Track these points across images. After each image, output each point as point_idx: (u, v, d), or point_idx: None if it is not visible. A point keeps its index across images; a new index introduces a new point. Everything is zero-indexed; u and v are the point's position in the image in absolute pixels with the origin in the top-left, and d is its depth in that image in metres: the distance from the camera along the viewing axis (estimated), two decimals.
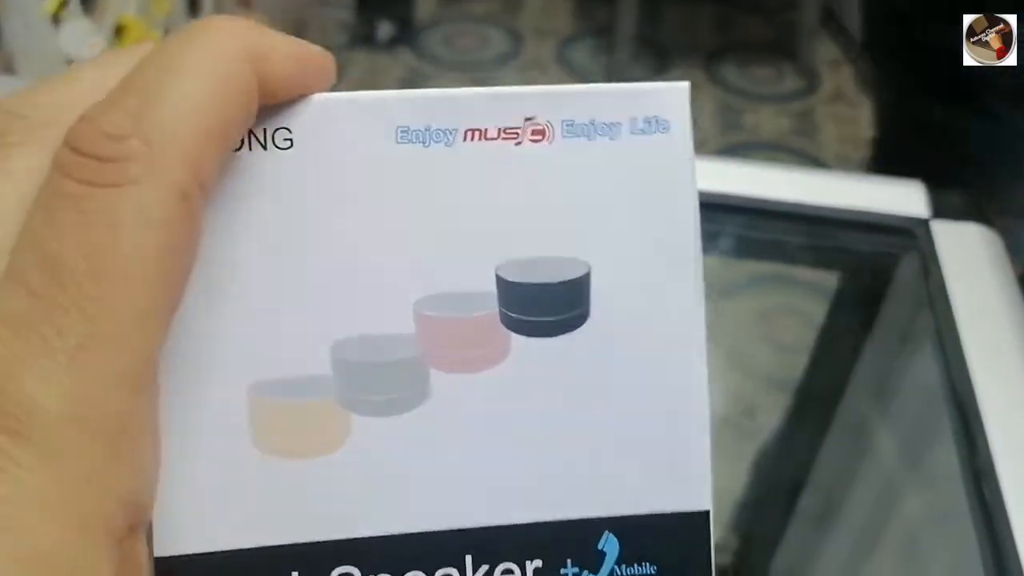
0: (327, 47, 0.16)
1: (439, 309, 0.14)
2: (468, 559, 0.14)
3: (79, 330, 0.12)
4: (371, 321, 0.14)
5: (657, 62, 1.79)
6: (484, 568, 0.14)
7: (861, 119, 1.67)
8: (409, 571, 0.14)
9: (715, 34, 1.86)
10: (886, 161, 0.87)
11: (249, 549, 0.14)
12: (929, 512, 0.39)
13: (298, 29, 1.68)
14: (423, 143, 0.14)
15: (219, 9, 1.39)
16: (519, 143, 0.14)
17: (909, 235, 0.41)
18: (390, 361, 0.14)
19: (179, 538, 0.13)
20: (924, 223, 0.41)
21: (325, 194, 0.14)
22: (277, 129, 0.14)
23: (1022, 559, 0.29)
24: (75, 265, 0.12)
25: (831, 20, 1.84)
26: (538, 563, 0.14)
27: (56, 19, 0.95)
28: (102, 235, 0.12)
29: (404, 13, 1.80)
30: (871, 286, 0.45)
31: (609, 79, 1.74)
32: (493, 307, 0.14)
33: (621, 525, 0.14)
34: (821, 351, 0.47)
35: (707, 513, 0.14)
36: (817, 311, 0.46)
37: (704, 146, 1.55)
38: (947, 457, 0.34)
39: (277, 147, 0.14)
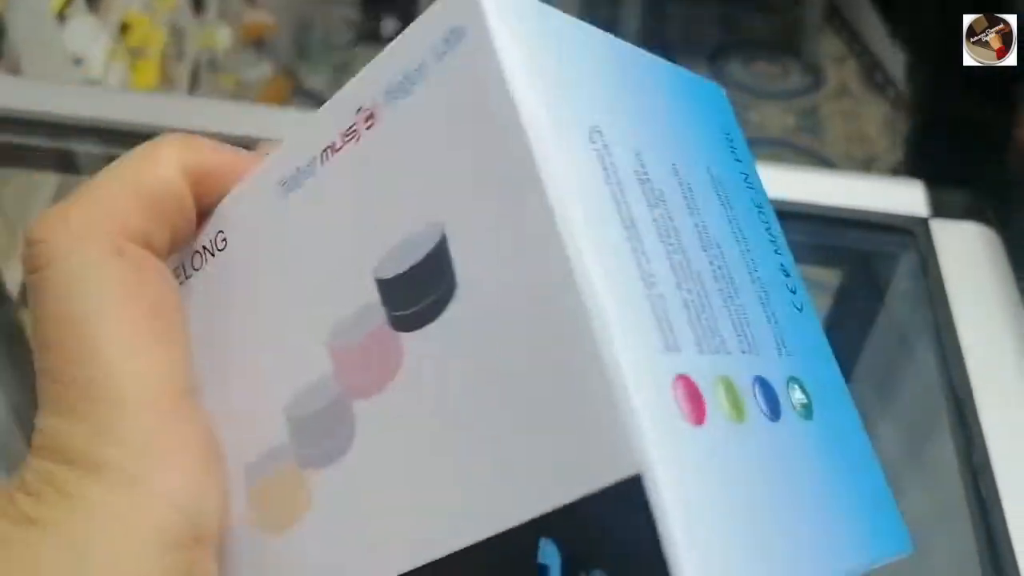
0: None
1: (346, 336, 0.13)
2: None
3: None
4: (300, 373, 0.14)
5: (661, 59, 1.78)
6: None
7: (867, 115, 1.67)
8: None
9: (719, 31, 1.86)
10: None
11: None
12: (927, 508, 0.39)
13: (303, 27, 1.69)
14: (298, 186, 0.14)
15: (224, 6, 1.40)
16: (358, 139, 0.13)
17: (908, 234, 0.41)
18: (318, 409, 0.13)
19: None
20: (923, 222, 0.41)
21: (249, 274, 0.15)
22: (217, 233, 0.16)
23: (1017, 554, 0.29)
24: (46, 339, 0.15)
25: (835, 16, 1.84)
26: None
27: (61, 16, 0.95)
28: (56, 307, 0.14)
29: (408, 9, 1.80)
30: (870, 285, 0.45)
31: None
32: (380, 319, 0.13)
33: (554, 525, 0.11)
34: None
35: (637, 478, 0.10)
36: (817, 308, 0.47)
37: None
38: (945, 454, 0.34)
39: (219, 250, 0.16)
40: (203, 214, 0.17)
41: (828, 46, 1.81)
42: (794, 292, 0.16)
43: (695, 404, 0.11)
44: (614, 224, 0.12)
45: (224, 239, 0.16)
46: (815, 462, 0.13)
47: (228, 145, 0.17)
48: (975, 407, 0.33)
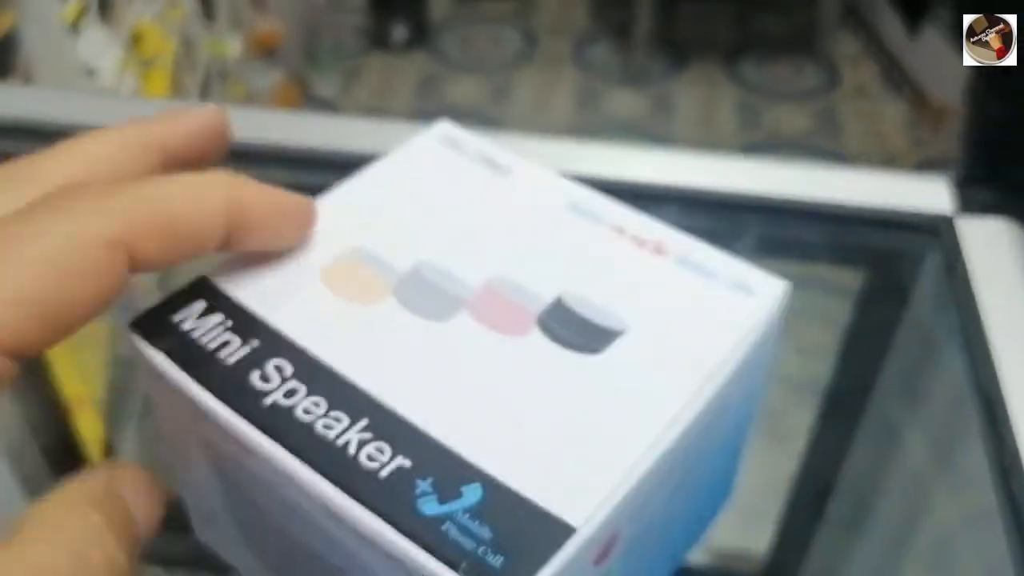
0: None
1: (502, 288, 0.18)
2: (363, 421, 0.15)
3: None
4: (457, 267, 0.18)
5: (675, 61, 1.78)
6: (366, 435, 0.15)
7: (884, 115, 1.65)
8: (316, 395, 0.16)
9: (733, 31, 1.85)
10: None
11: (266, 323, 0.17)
12: (959, 512, 0.38)
13: (312, 35, 1.69)
14: (588, 221, 0.20)
15: (234, 15, 1.40)
16: (641, 248, 0.19)
17: (933, 232, 0.40)
18: (441, 286, 0.18)
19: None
20: (948, 220, 0.40)
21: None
22: None
23: None
24: None
25: (851, 15, 1.82)
26: (406, 463, 0.15)
27: (74, 28, 0.95)
28: None
29: (418, 16, 1.80)
30: (894, 285, 0.44)
31: (626, 78, 1.73)
32: (535, 310, 0.18)
33: (494, 487, 0.14)
34: (846, 351, 0.46)
35: (572, 529, 0.14)
36: (840, 311, 0.46)
37: (723, 145, 1.54)
38: (975, 458, 0.34)
39: None
40: (229, 243, 0.17)
41: (844, 46, 1.80)
42: None
43: (605, 551, 0.15)
44: None
45: None
46: None
47: (274, 188, 0.17)
48: (1006, 408, 0.32)
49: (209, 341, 0.16)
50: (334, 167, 0.41)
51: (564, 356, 0.17)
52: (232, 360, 0.16)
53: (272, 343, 0.16)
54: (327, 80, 1.65)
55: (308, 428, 0.15)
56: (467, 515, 0.14)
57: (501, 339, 0.17)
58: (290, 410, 0.15)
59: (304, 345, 0.16)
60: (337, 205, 0.19)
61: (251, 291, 0.17)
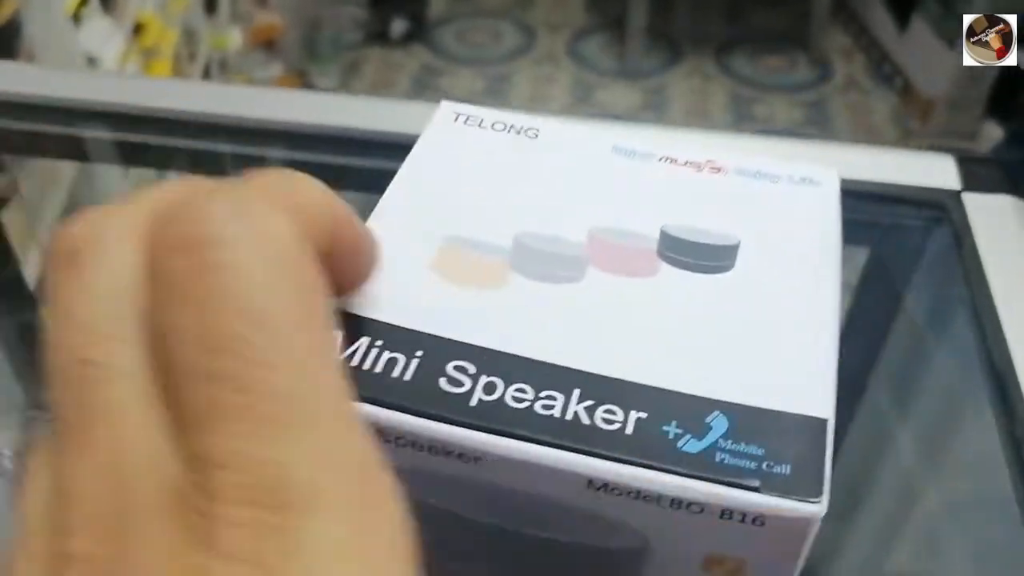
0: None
1: (609, 236, 0.18)
2: (576, 392, 0.15)
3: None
4: (553, 229, 0.18)
5: (669, 54, 1.79)
6: (588, 403, 0.15)
7: (875, 108, 1.67)
8: (518, 383, 0.15)
9: (726, 25, 1.86)
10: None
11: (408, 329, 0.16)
12: (970, 486, 0.39)
13: (313, 27, 1.69)
14: (638, 159, 0.21)
15: (235, 7, 1.40)
16: (699, 171, 0.20)
17: (940, 207, 0.41)
18: (556, 250, 0.18)
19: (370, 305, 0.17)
20: (956, 194, 0.41)
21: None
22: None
23: None
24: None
25: (842, 9, 1.84)
26: (642, 415, 0.14)
27: (77, 17, 0.95)
28: None
29: (417, 10, 1.81)
30: (900, 260, 0.45)
31: (621, 72, 1.74)
32: (651, 247, 0.18)
33: (733, 410, 0.15)
34: (849, 328, 0.47)
35: (824, 421, 0.15)
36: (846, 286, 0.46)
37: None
38: (987, 431, 0.34)
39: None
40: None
41: (835, 39, 1.81)
42: None
43: None
44: None
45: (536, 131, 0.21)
46: None
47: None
48: (1017, 381, 0.33)
49: (373, 366, 0.15)
50: (339, 144, 0.42)
51: (703, 280, 0.17)
52: (409, 375, 0.15)
53: (436, 347, 0.16)
54: (326, 72, 1.65)
55: (529, 414, 0.14)
56: (726, 440, 0.14)
57: (639, 282, 0.17)
58: (500, 402, 0.15)
59: (467, 340, 0.16)
60: (396, 209, 0.19)
61: (377, 306, 0.16)
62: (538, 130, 0.21)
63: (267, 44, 1.48)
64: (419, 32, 1.80)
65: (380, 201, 0.19)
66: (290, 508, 0.10)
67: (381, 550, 0.11)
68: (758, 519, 0.14)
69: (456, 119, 0.21)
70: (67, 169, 0.68)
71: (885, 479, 0.43)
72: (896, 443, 0.43)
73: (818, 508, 0.14)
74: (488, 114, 0.22)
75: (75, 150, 0.49)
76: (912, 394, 0.42)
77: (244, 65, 1.40)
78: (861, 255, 0.47)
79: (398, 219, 0.18)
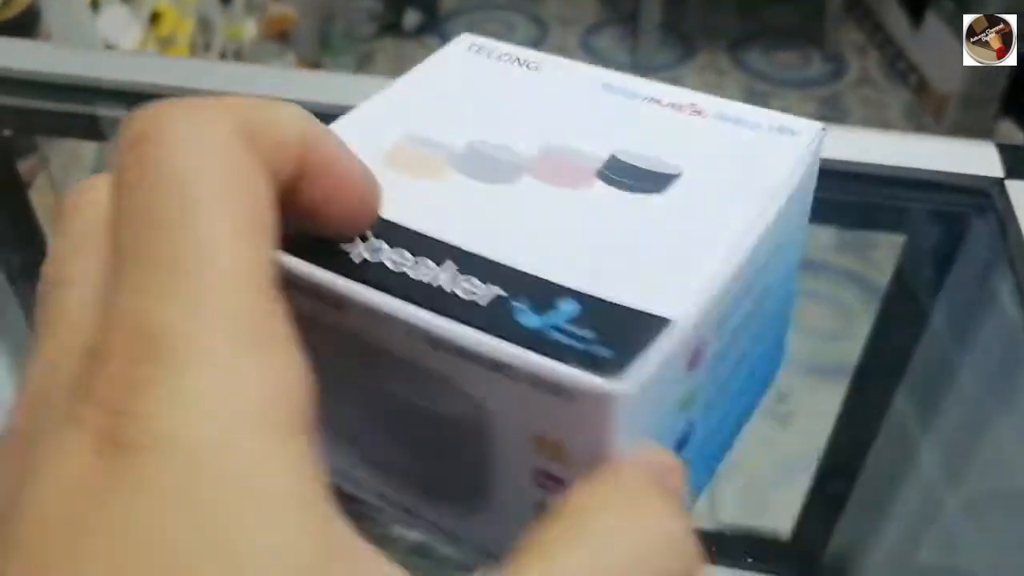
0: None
1: (557, 152, 0.19)
2: (448, 263, 0.16)
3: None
4: (509, 141, 0.19)
5: (682, 49, 1.78)
6: (456, 274, 0.16)
7: (889, 104, 1.66)
8: (400, 247, 0.16)
9: (740, 20, 1.86)
10: None
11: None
12: (1012, 478, 0.39)
13: (326, 19, 1.69)
14: (624, 96, 0.21)
15: None
16: (679, 111, 0.20)
17: (983, 195, 0.41)
18: (498, 155, 0.19)
19: None
20: (999, 182, 0.40)
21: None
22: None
23: None
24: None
25: (857, 5, 1.83)
26: (501, 292, 0.15)
27: (95, 5, 0.95)
28: None
29: (430, 2, 1.80)
30: (942, 248, 0.45)
31: (634, 67, 1.74)
32: (593, 166, 0.19)
33: (587, 301, 0.15)
34: (885, 317, 0.47)
35: (668, 321, 0.15)
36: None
37: None
38: None
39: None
40: (296, 185, 0.15)
41: (850, 35, 1.81)
42: None
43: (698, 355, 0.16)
44: None
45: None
46: None
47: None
48: None
49: None
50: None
51: (629, 198, 0.18)
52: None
53: None
54: (339, 64, 1.65)
55: (401, 276, 0.16)
56: (568, 323, 0.15)
57: (567, 192, 0.18)
58: (379, 264, 0.16)
59: (379, 214, 0.17)
60: (381, 106, 0.20)
61: None
62: (541, 64, 0.22)
63: (281, 35, 1.48)
64: (432, 24, 1.79)
65: (360, 105, 0.20)
66: (160, 359, 0.11)
67: (259, 399, 0.11)
68: (564, 392, 0.14)
69: (469, 48, 0.22)
70: (89, 149, 0.68)
71: (924, 467, 0.43)
72: (936, 436, 0.42)
73: (617, 386, 0.14)
74: (501, 47, 0.22)
75: (97, 129, 0.49)
76: (951, 386, 0.42)
77: (258, 56, 1.40)
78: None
79: (372, 118, 0.20)
